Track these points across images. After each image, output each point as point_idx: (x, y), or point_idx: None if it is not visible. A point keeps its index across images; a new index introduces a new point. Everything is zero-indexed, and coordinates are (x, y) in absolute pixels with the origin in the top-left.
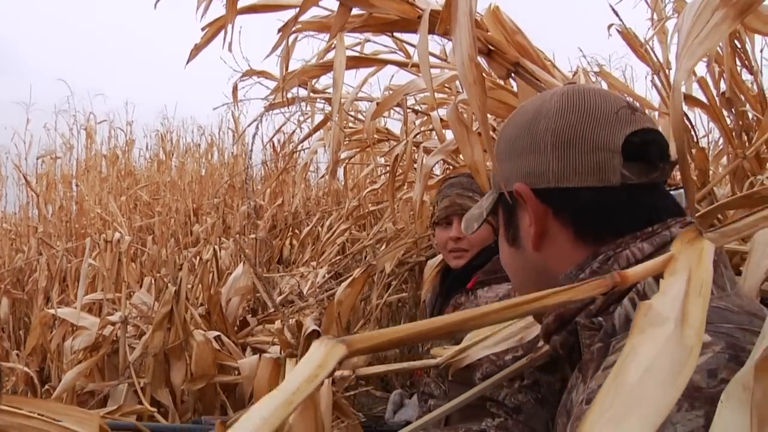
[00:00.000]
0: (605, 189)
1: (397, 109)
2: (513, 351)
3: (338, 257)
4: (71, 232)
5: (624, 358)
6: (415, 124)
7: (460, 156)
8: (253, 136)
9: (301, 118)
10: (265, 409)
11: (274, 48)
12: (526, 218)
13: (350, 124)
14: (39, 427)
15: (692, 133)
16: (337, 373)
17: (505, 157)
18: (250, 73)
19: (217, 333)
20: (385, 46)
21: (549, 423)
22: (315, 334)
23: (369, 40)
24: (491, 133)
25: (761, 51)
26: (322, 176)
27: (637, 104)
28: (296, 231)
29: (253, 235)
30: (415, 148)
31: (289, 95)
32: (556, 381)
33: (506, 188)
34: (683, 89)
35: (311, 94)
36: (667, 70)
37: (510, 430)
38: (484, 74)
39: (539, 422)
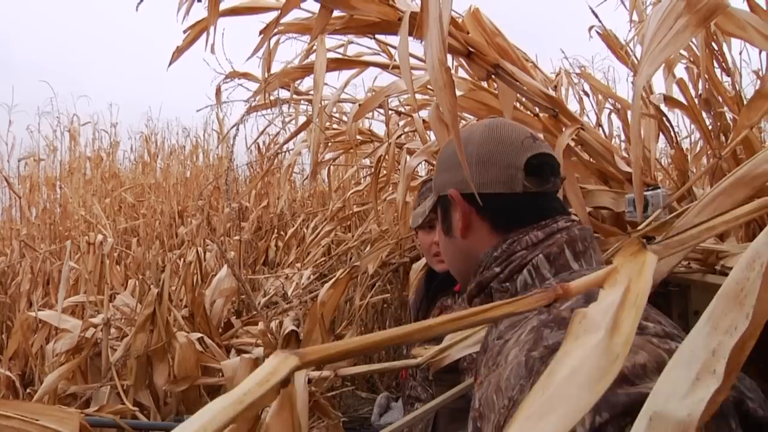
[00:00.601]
0: (512, 195)
1: (381, 110)
2: None
3: (323, 259)
4: (55, 235)
5: (556, 360)
6: (398, 125)
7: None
8: (234, 137)
9: (286, 120)
10: (218, 407)
11: (256, 50)
12: (457, 215)
13: (334, 126)
14: (19, 427)
15: (672, 133)
16: (317, 374)
17: (443, 169)
18: (233, 75)
19: (200, 335)
20: (369, 48)
21: None
22: (293, 335)
23: (352, 42)
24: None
25: (740, 53)
26: (305, 179)
27: (539, 135)
28: (281, 233)
29: (237, 237)
30: (398, 149)
31: (273, 97)
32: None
33: (443, 192)
34: (664, 90)
35: (294, 96)
36: None
37: None
38: (466, 75)
39: None
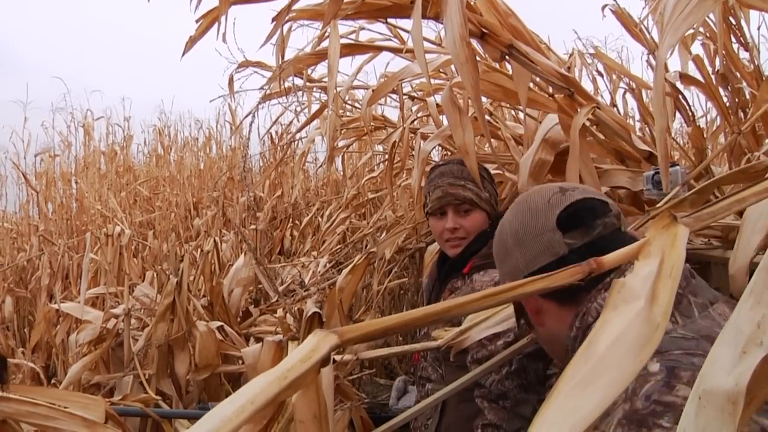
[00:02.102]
0: (559, 260)
1: (395, 96)
2: (504, 336)
3: (339, 246)
4: (72, 230)
5: (596, 330)
6: (412, 110)
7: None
8: (250, 125)
9: (299, 108)
10: (263, 382)
11: (269, 37)
12: (527, 306)
13: (348, 113)
14: (46, 413)
15: (689, 111)
16: (339, 357)
17: (498, 263)
18: (245, 64)
19: (219, 323)
20: (381, 33)
21: (536, 408)
22: (316, 317)
23: (364, 28)
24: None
25: (758, 28)
26: (320, 165)
27: (573, 185)
28: (296, 222)
29: (253, 227)
30: (412, 134)
31: (286, 85)
32: (544, 367)
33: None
34: (679, 68)
35: (307, 83)
36: None
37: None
38: (479, 57)
39: (526, 408)
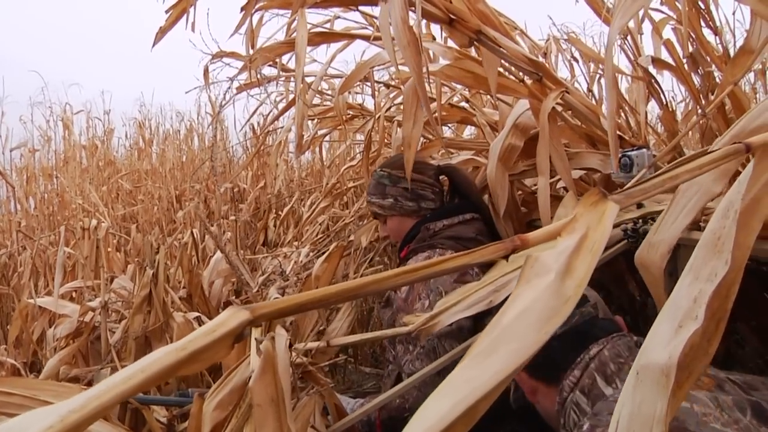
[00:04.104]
0: (543, 349)
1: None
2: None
3: (321, 236)
4: (54, 225)
5: (508, 303)
6: (389, 98)
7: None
8: (218, 113)
9: (276, 100)
10: (161, 352)
11: (238, 26)
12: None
13: (326, 102)
14: (20, 403)
15: (661, 95)
16: (313, 345)
17: None
18: (219, 54)
19: (197, 314)
20: (356, 22)
21: None
22: None
23: (339, 17)
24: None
25: (734, 14)
26: (298, 155)
27: None
28: (279, 213)
29: (233, 217)
30: (389, 123)
31: (260, 75)
32: (460, 351)
33: None
34: (652, 52)
35: (282, 73)
36: (638, 35)
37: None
38: (449, 44)
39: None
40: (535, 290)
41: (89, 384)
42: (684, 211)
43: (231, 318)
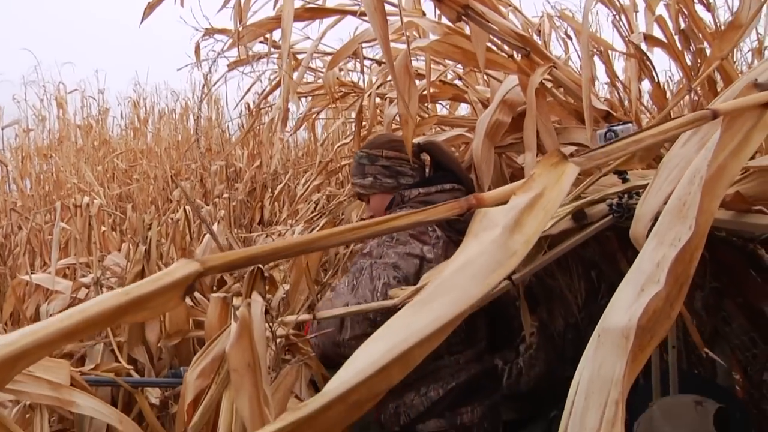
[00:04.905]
0: None
1: (367, 63)
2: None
3: (315, 214)
4: (49, 205)
5: (454, 257)
6: (382, 75)
7: (426, 105)
8: (207, 92)
9: (271, 77)
10: (104, 297)
11: (226, 1)
12: None
13: (320, 80)
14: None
15: (652, 72)
16: (293, 317)
17: None
18: (211, 31)
19: None
20: None
21: None
22: (258, 271)
23: None
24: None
25: None
26: (291, 134)
27: None
28: (274, 192)
29: (226, 195)
30: (382, 100)
31: (251, 52)
32: None
33: None
34: (644, 29)
35: (272, 49)
36: (632, 13)
37: None
38: (437, 19)
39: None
40: (481, 243)
41: (82, 360)
42: (666, 182)
43: (180, 268)
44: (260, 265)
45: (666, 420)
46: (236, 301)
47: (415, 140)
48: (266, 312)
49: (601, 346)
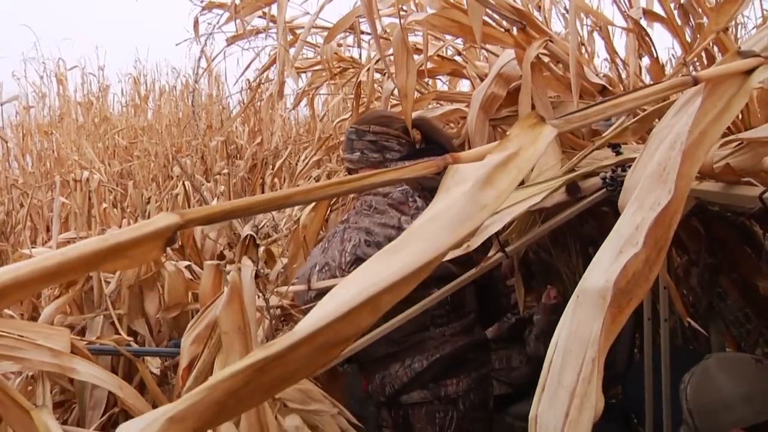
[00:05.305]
0: None
1: (365, 37)
2: None
3: None
4: (51, 182)
5: (426, 210)
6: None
7: (425, 80)
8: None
9: (271, 53)
10: (84, 242)
11: None
12: None
13: (320, 56)
14: (12, 344)
15: (651, 49)
16: (294, 288)
17: (712, 412)
18: (209, 5)
19: (187, 263)
20: None
21: None
22: (250, 239)
23: None
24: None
25: None
26: (292, 108)
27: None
28: (275, 168)
29: (226, 171)
30: (382, 75)
31: (251, 27)
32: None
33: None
34: (644, 4)
35: (270, 23)
36: None
37: None
38: None
39: None
40: (452, 197)
41: (82, 331)
42: (656, 153)
43: (160, 219)
44: (252, 233)
45: (725, 372)
46: (230, 267)
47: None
48: (257, 277)
49: (579, 306)
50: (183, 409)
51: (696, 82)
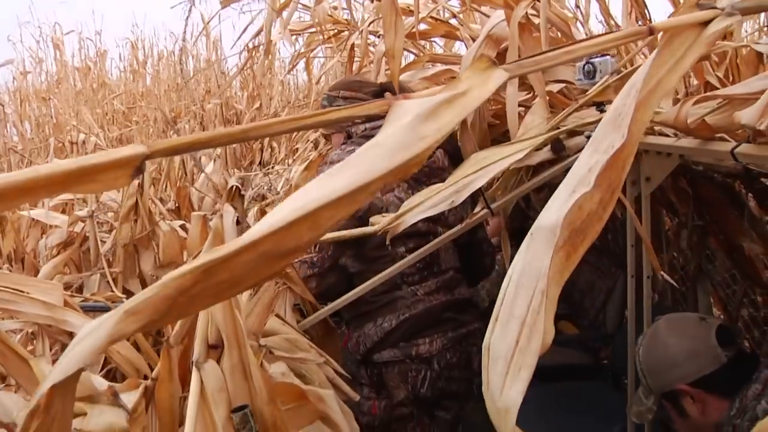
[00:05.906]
0: (722, 367)
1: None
2: None
3: (313, 153)
4: (49, 147)
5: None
6: (374, 11)
7: (420, 41)
8: (186, 21)
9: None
10: (56, 163)
11: None
12: (689, 400)
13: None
14: (8, 298)
15: (644, 10)
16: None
17: (659, 371)
18: None
19: (182, 222)
20: None
21: None
22: (236, 190)
23: None
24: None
25: None
26: (287, 72)
27: (704, 316)
28: None
29: None
30: (376, 37)
31: None
32: None
33: (668, 389)
34: None
35: None
36: None
37: None
38: None
39: None
40: (393, 129)
41: (80, 289)
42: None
43: (129, 148)
44: (237, 185)
45: (670, 331)
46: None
47: (380, 80)
48: (238, 223)
49: (533, 242)
50: (138, 303)
51: (651, 32)
